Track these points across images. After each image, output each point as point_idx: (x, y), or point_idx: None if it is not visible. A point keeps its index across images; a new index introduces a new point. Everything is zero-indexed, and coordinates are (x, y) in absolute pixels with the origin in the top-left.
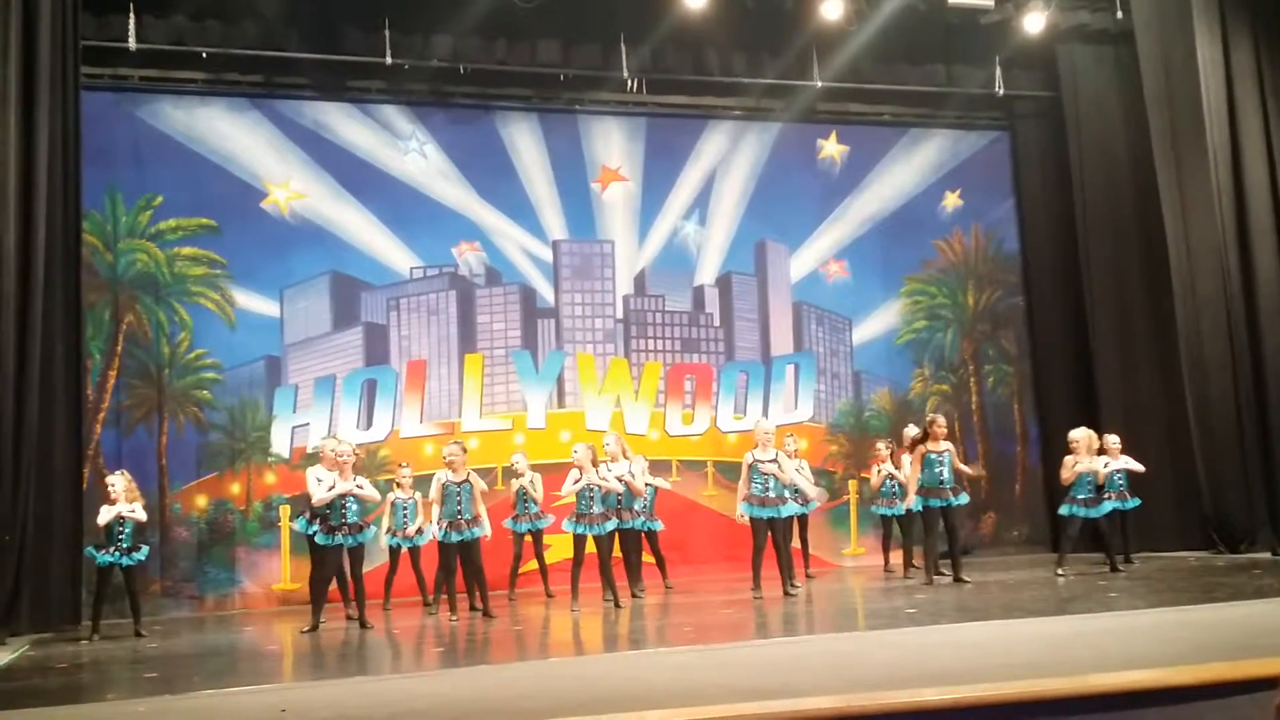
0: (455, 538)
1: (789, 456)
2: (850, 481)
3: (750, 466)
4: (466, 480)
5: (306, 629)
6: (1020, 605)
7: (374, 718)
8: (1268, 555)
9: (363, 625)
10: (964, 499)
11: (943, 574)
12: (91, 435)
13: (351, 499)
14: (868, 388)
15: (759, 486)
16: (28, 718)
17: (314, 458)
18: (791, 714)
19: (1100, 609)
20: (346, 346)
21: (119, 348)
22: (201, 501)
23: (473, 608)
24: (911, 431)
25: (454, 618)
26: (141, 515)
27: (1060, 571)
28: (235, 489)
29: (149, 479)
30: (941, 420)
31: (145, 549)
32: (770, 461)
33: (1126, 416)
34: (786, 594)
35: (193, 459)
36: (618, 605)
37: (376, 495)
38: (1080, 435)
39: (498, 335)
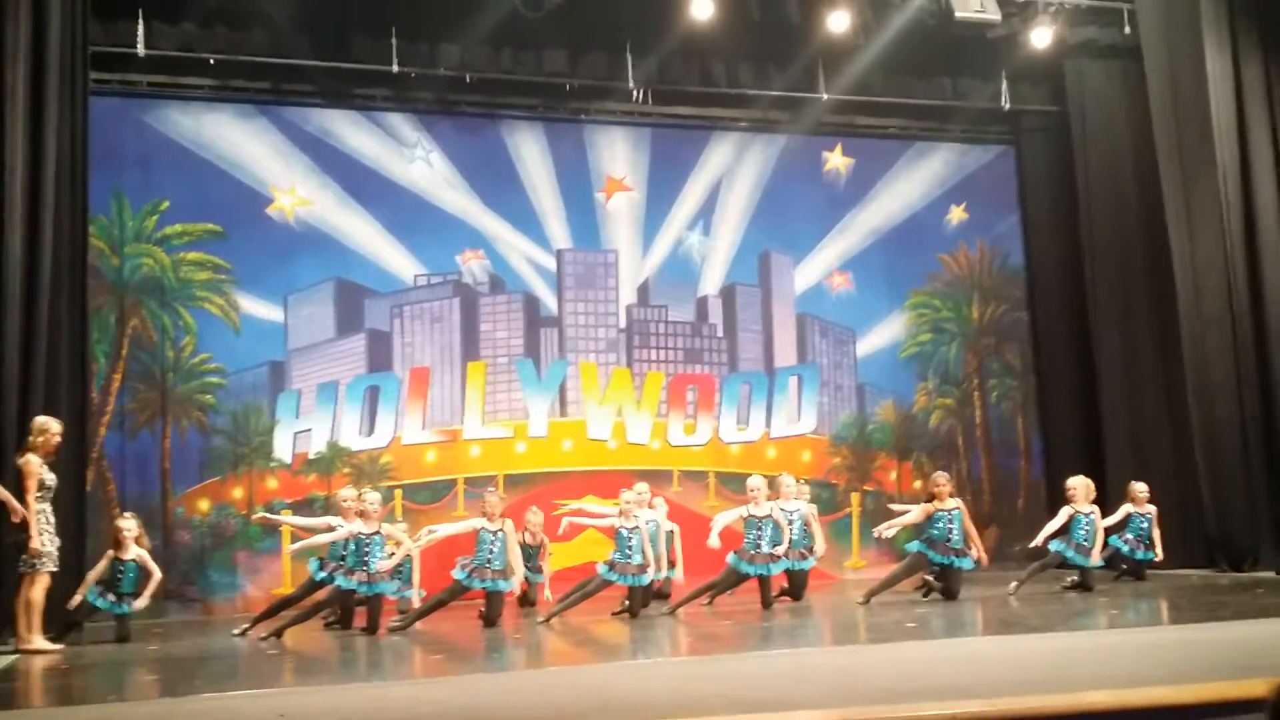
0: (478, 584)
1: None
2: (853, 494)
3: (745, 521)
4: (501, 530)
5: (262, 634)
6: (1021, 621)
7: None
8: (1271, 574)
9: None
10: (969, 563)
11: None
12: (95, 438)
13: (376, 544)
14: (871, 400)
15: (751, 541)
16: (27, 719)
17: (316, 463)
18: None
19: (1102, 626)
20: (350, 353)
21: (124, 351)
22: (204, 505)
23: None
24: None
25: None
26: (152, 567)
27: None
28: (237, 493)
29: (152, 482)
30: (940, 478)
31: (144, 600)
32: (765, 517)
33: (1130, 432)
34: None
35: (195, 463)
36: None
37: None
38: (1077, 483)
39: (500, 343)
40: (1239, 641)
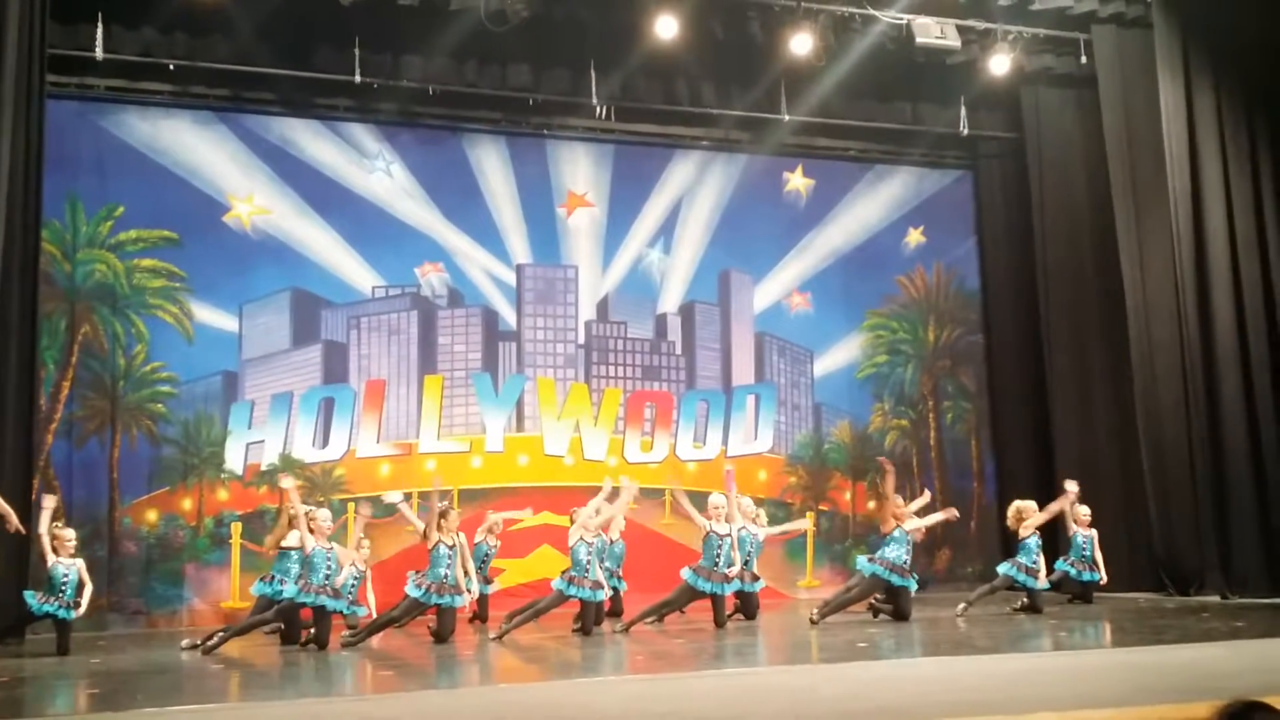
0: (435, 600)
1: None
2: (808, 513)
3: (705, 538)
4: (456, 544)
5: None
6: (970, 642)
7: None
8: (1216, 599)
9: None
10: (913, 583)
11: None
12: (42, 446)
13: (330, 560)
14: (828, 420)
15: (709, 559)
16: None
17: (269, 474)
18: None
19: (1049, 648)
20: (305, 364)
21: (74, 358)
22: (152, 516)
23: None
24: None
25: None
26: (85, 577)
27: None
28: (186, 504)
29: (99, 492)
30: (900, 500)
31: (84, 605)
32: (725, 536)
33: (1081, 457)
34: (719, 625)
35: (144, 473)
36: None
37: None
38: (1026, 506)
39: (458, 357)
40: (1183, 665)
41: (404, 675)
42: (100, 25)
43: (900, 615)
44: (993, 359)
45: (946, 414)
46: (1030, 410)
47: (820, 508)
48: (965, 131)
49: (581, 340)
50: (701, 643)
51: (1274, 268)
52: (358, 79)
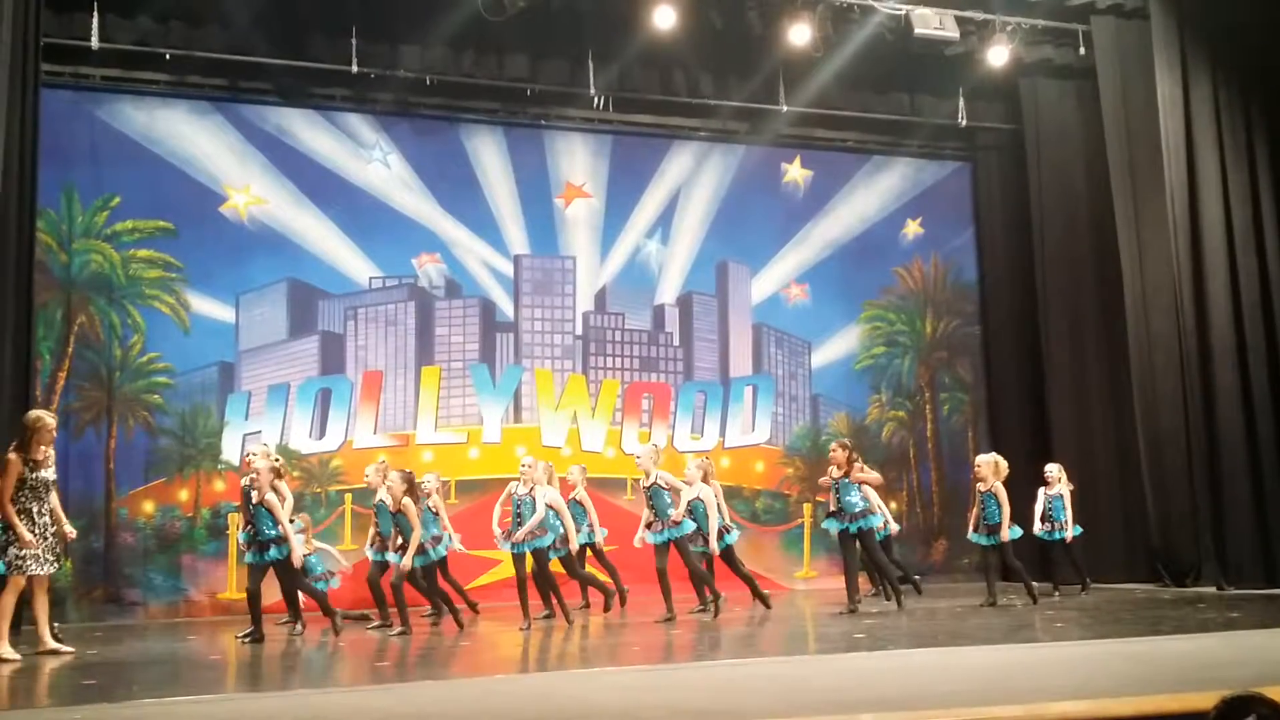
0: (419, 561)
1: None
2: (805, 505)
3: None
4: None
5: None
6: (967, 633)
7: None
8: (1213, 590)
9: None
10: (875, 521)
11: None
12: None
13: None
14: (825, 412)
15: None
16: None
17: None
18: None
19: (1045, 639)
20: (302, 355)
21: (70, 349)
22: (149, 507)
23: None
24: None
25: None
26: None
27: (989, 603)
28: (183, 495)
29: (96, 483)
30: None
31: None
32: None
33: (1078, 447)
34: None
35: (141, 464)
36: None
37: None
38: (984, 460)
39: (456, 348)
40: (1179, 656)
41: (398, 666)
42: (95, 14)
43: (875, 565)
44: (990, 350)
45: (943, 405)
46: (1027, 401)
47: (818, 499)
48: (964, 123)
49: (579, 331)
50: (696, 633)
51: (1270, 258)
52: (355, 69)
